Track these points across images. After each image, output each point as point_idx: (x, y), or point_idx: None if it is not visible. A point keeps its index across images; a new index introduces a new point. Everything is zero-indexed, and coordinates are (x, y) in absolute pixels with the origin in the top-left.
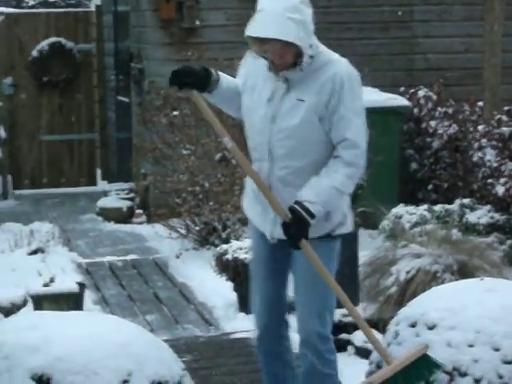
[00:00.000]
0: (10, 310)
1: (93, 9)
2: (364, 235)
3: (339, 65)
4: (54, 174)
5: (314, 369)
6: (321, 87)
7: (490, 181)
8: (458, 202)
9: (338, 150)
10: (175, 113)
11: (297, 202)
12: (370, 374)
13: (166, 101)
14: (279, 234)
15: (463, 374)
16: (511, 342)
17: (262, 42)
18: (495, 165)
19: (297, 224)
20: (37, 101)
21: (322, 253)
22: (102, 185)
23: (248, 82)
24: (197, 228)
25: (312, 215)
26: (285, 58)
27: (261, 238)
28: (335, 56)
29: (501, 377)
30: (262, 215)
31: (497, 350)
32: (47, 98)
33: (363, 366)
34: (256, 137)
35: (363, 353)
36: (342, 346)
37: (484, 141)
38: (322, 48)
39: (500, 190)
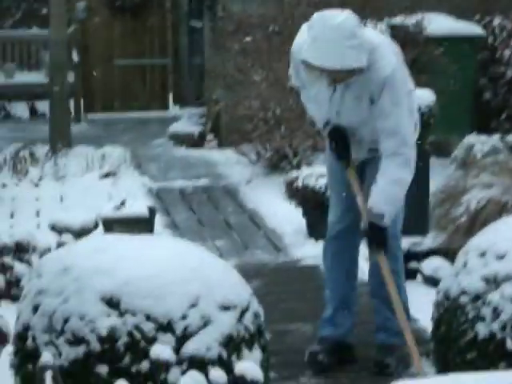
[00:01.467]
0: (80, 233)
1: None
2: (435, 164)
3: (384, 66)
4: (126, 98)
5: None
6: (370, 84)
7: None
8: None
9: (380, 143)
10: (248, 38)
11: (373, 215)
12: (437, 302)
13: (239, 26)
14: (360, 155)
15: None
16: None
17: (323, 68)
18: None
19: (374, 236)
20: (109, 25)
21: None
22: (173, 109)
23: (302, 76)
24: (267, 154)
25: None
26: (345, 79)
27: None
28: (383, 50)
29: None
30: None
31: None
32: (120, 23)
33: (432, 294)
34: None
35: (432, 281)
36: (411, 274)
37: None
38: (371, 42)
39: None
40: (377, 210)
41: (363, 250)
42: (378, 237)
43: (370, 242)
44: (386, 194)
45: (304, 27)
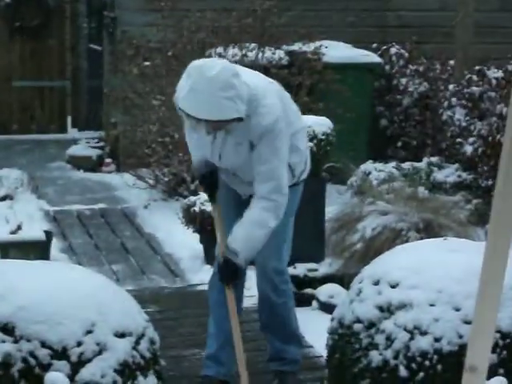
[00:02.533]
0: None
1: None
2: (332, 190)
3: (265, 114)
4: (24, 120)
5: (269, 299)
6: (250, 130)
7: (458, 140)
8: (426, 160)
9: (254, 184)
10: (146, 63)
11: (228, 251)
12: (331, 330)
13: (138, 51)
14: (250, 192)
15: (423, 333)
16: (472, 303)
17: (198, 119)
18: (464, 124)
19: (226, 271)
20: (8, 46)
21: (288, 199)
22: (72, 132)
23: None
24: (166, 179)
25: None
26: (223, 127)
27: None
28: (265, 98)
29: (461, 336)
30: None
31: (458, 309)
32: (19, 44)
33: (327, 320)
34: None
35: (327, 308)
36: (306, 301)
37: (454, 100)
38: (253, 89)
39: (468, 149)
40: (233, 247)
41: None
42: (230, 272)
43: (221, 276)
44: (246, 234)
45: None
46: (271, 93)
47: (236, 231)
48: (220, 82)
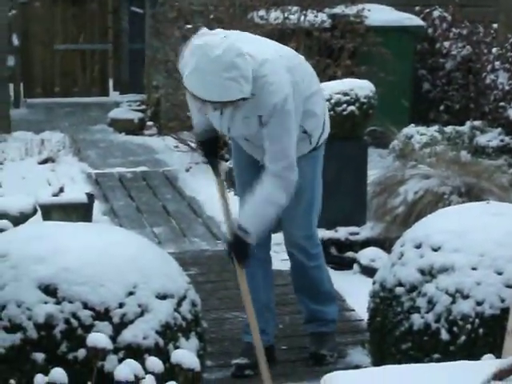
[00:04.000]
0: (18, 219)
1: None
2: (374, 154)
3: (274, 92)
4: (66, 83)
5: (301, 264)
6: (259, 108)
7: (501, 104)
8: (468, 123)
9: (266, 162)
10: (188, 26)
11: (239, 229)
12: (373, 293)
13: (180, 13)
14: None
15: (465, 297)
16: None
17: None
18: (507, 88)
19: (237, 249)
20: (50, 9)
21: (309, 165)
22: (113, 95)
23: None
24: None
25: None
26: (228, 106)
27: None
28: (273, 74)
29: (503, 300)
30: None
31: (500, 273)
32: (61, 7)
33: (368, 284)
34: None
35: (368, 271)
36: (347, 264)
37: (497, 63)
38: (260, 65)
39: (511, 113)
40: (244, 225)
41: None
42: (241, 251)
43: (232, 254)
44: (257, 211)
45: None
46: (280, 67)
47: (247, 209)
48: (224, 62)
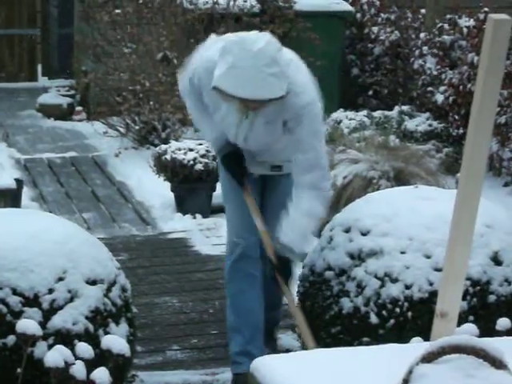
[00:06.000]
0: None
1: None
2: None
3: (302, 93)
4: None
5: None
6: (286, 111)
7: (429, 89)
8: (397, 108)
9: (298, 175)
10: (117, 11)
11: (281, 246)
12: (303, 277)
13: None
14: (261, 171)
15: (394, 280)
16: (443, 250)
17: (240, 98)
18: (435, 73)
19: (284, 269)
20: None
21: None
22: (42, 81)
23: (204, 94)
24: (136, 127)
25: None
26: (263, 107)
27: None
28: (300, 75)
29: (431, 284)
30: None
31: (428, 257)
32: None
33: (298, 268)
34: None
35: None
36: None
37: (425, 48)
38: (289, 66)
39: (439, 98)
40: (288, 244)
41: None
42: (287, 271)
43: (280, 275)
44: (300, 228)
45: (213, 42)
46: (304, 70)
47: (287, 226)
48: (266, 57)
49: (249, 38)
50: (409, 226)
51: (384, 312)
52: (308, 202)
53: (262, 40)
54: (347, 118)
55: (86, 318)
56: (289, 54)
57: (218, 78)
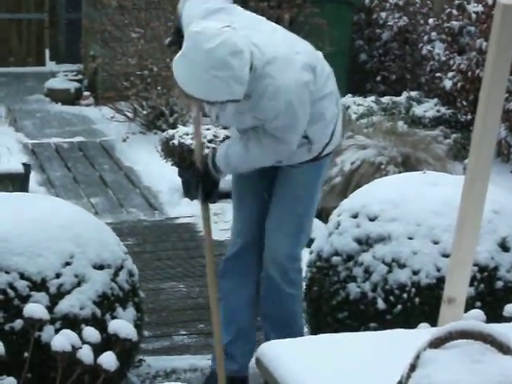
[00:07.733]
0: None
1: None
2: None
3: (279, 98)
4: (2, 53)
5: (276, 288)
6: (259, 110)
7: (437, 74)
8: (405, 94)
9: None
10: None
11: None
12: (310, 262)
13: None
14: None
15: (402, 266)
16: (450, 236)
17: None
18: (444, 59)
19: (204, 179)
20: None
21: (306, 176)
22: (50, 65)
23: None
24: (144, 112)
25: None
26: (215, 106)
27: None
28: (281, 79)
29: (439, 269)
30: None
31: (436, 243)
32: None
33: (305, 254)
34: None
35: None
36: None
37: (433, 34)
38: (267, 64)
39: (447, 83)
40: (218, 162)
41: None
42: (208, 184)
43: (198, 186)
44: (234, 160)
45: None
46: (291, 66)
47: (227, 150)
48: (214, 58)
49: (204, 34)
50: (417, 212)
51: (391, 297)
52: (257, 148)
53: (216, 39)
54: (355, 104)
55: (94, 302)
56: (277, 51)
57: (173, 62)
